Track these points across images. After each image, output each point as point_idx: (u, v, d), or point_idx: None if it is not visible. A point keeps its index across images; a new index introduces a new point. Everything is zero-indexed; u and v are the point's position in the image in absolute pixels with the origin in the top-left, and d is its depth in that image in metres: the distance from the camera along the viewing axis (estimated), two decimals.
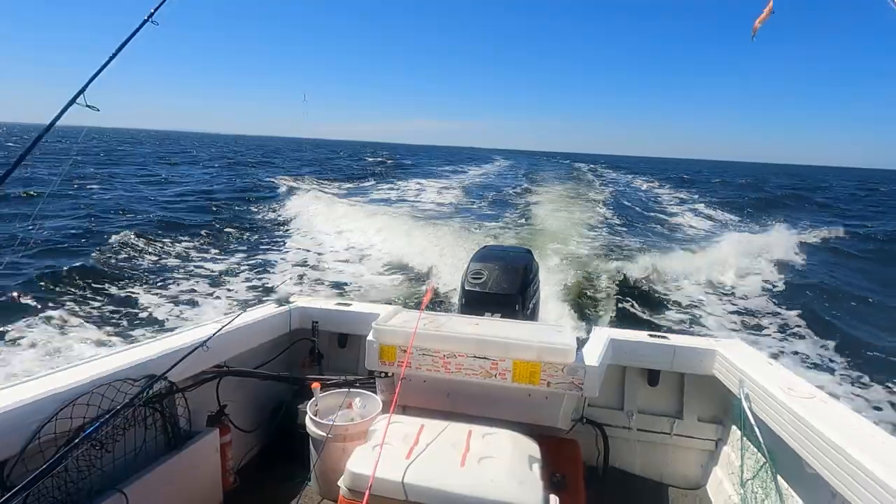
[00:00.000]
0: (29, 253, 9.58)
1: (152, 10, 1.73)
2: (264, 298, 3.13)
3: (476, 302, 2.85)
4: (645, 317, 8.26)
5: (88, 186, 21.04)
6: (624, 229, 16.53)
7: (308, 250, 11.92)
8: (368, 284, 9.27)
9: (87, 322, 6.72)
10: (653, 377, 2.79)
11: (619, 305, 8.47)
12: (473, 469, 1.66)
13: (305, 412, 2.53)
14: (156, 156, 46.50)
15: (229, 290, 8.60)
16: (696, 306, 9.04)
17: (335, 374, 2.91)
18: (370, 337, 2.28)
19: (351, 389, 2.69)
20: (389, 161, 55.99)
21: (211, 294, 8.34)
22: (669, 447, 2.82)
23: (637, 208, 23.77)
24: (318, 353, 3.16)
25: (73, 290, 7.95)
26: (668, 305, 8.95)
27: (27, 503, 1.52)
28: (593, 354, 2.20)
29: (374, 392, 2.65)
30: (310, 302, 3.21)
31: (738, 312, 8.92)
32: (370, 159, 59.32)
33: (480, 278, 2.91)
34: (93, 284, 8.25)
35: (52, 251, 10.20)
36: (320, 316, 3.12)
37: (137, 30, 1.69)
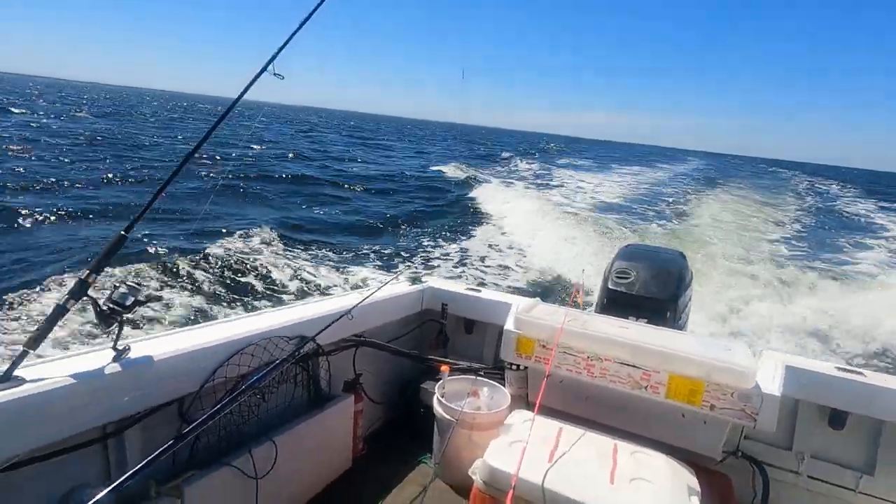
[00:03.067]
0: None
1: None
2: (400, 275, 3.18)
3: (619, 303, 2.61)
4: (828, 347, 6.92)
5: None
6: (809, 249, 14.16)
7: (463, 234, 12.24)
8: (506, 270, 9.18)
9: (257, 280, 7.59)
10: (837, 418, 2.31)
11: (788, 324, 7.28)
12: (624, 490, 1.48)
13: (431, 393, 2.54)
14: (356, 138, 49.60)
15: (377, 264, 9.08)
16: None
17: (460, 358, 2.88)
18: (509, 326, 2.18)
19: (478, 377, 2.65)
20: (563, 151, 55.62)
21: (359, 262, 8.85)
22: None
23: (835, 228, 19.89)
24: (445, 335, 3.16)
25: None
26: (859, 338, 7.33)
27: (199, 436, 1.68)
28: (772, 382, 1.86)
29: (502, 383, 2.58)
30: (441, 283, 3.22)
31: None
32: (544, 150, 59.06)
33: (627, 278, 2.65)
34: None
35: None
36: (450, 298, 3.10)
37: (322, 1, 1.75)
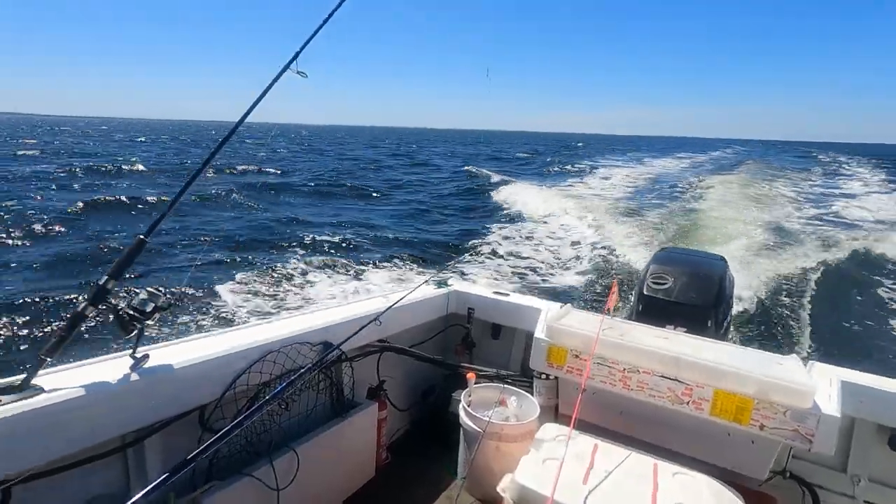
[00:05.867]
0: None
1: None
2: (430, 279, 3.10)
3: (656, 310, 2.47)
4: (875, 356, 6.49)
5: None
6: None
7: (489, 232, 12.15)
8: (532, 274, 9.02)
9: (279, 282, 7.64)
10: None
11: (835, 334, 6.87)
12: None
13: (457, 400, 2.45)
14: (385, 152, 50.60)
15: (397, 265, 9.05)
16: None
17: (486, 365, 2.79)
18: (539, 334, 2.08)
19: (505, 385, 2.55)
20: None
21: (383, 266, 8.85)
22: None
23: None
24: (471, 340, 3.07)
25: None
26: None
27: (219, 447, 1.63)
28: (829, 401, 1.70)
29: (529, 391, 2.47)
30: (467, 287, 3.13)
31: None
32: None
33: (664, 283, 2.51)
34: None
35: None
36: (477, 303, 3.01)
37: (343, 1, 1.69)
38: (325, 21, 1.63)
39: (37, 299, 6.26)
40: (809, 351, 6.31)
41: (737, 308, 6.84)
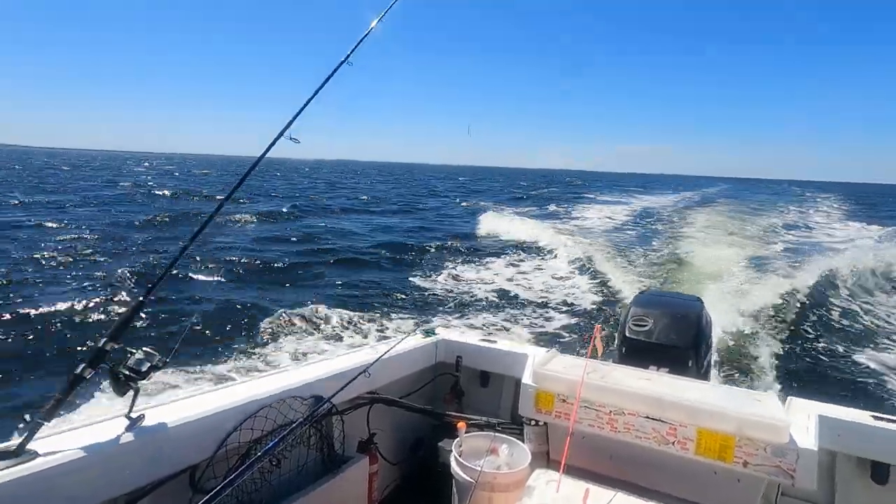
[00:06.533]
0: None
1: (349, 53, 1.87)
2: (417, 329, 3.15)
3: (639, 352, 2.55)
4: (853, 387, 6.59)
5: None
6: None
7: (469, 274, 12.22)
8: (518, 317, 9.07)
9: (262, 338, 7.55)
10: (879, 471, 2.18)
11: (801, 365, 7.04)
12: None
13: (447, 450, 2.45)
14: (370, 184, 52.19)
15: (390, 315, 8.96)
16: None
17: (476, 413, 2.80)
18: (527, 380, 2.13)
19: (496, 434, 2.56)
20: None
21: (382, 314, 8.80)
22: None
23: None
24: (460, 389, 3.09)
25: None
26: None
27: None
28: (806, 435, 1.78)
29: (521, 439, 2.48)
30: (454, 335, 3.17)
31: None
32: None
33: (644, 325, 2.61)
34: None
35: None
36: (464, 351, 3.05)
37: (335, 71, 1.84)
38: (316, 93, 1.76)
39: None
40: (787, 386, 6.42)
41: (716, 347, 6.99)
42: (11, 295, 8.80)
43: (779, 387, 6.36)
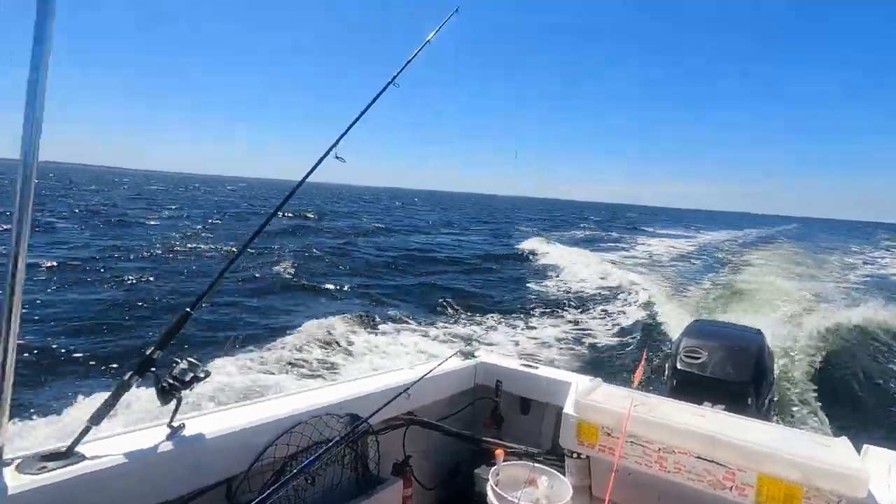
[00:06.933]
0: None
1: (395, 74, 1.90)
2: (459, 351, 3.10)
3: (691, 385, 2.40)
4: None
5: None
6: None
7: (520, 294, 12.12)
8: (561, 340, 8.82)
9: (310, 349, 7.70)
10: None
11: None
12: None
13: (484, 479, 2.36)
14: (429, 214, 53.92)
15: (426, 333, 8.93)
16: None
17: (515, 441, 2.70)
18: (568, 410, 2.03)
19: (535, 464, 2.45)
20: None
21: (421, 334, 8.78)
22: None
23: None
24: (500, 415, 2.99)
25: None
26: None
27: None
28: (888, 490, 1.59)
29: (561, 471, 2.37)
30: (495, 358, 3.10)
31: None
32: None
33: (698, 358, 2.45)
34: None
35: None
36: (505, 375, 2.97)
37: (381, 92, 1.87)
38: (362, 113, 1.79)
39: None
40: (860, 432, 5.84)
41: (779, 384, 6.47)
42: (71, 295, 9.46)
43: (850, 432, 5.81)
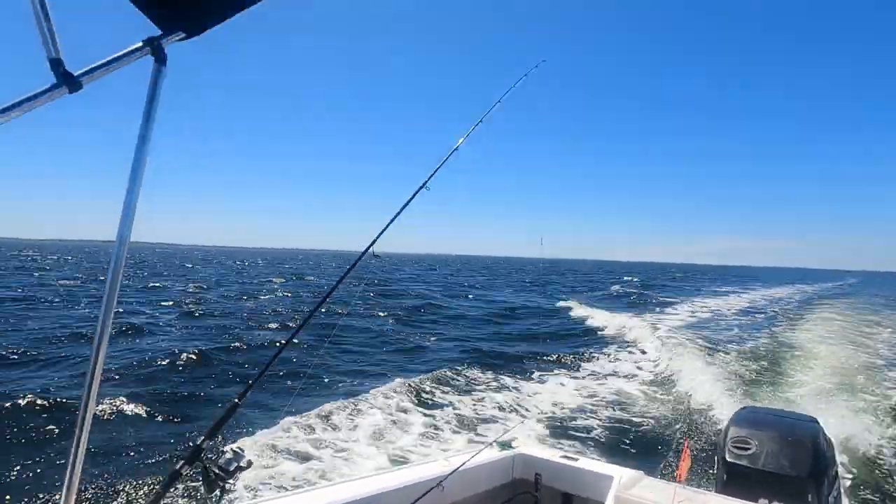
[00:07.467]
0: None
1: (426, 179, 2.09)
2: (494, 441, 3.03)
3: (744, 480, 2.25)
4: None
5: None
6: None
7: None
8: (601, 425, 8.32)
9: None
10: None
11: None
12: None
13: None
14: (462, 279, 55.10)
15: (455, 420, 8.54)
16: None
17: None
18: None
19: None
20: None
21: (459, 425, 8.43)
22: None
23: None
24: None
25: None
26: None
27: None
28: None
29: None
30: (533, 448, 2.99)
31: None
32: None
33: (748, 449, 2.32)
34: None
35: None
36: (544, 468, 2.85)
37: (414, 195, 2.04)
38: (399, 213, 1.95)
39: None
40: None
41: (843, 478, 5.88)
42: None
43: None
